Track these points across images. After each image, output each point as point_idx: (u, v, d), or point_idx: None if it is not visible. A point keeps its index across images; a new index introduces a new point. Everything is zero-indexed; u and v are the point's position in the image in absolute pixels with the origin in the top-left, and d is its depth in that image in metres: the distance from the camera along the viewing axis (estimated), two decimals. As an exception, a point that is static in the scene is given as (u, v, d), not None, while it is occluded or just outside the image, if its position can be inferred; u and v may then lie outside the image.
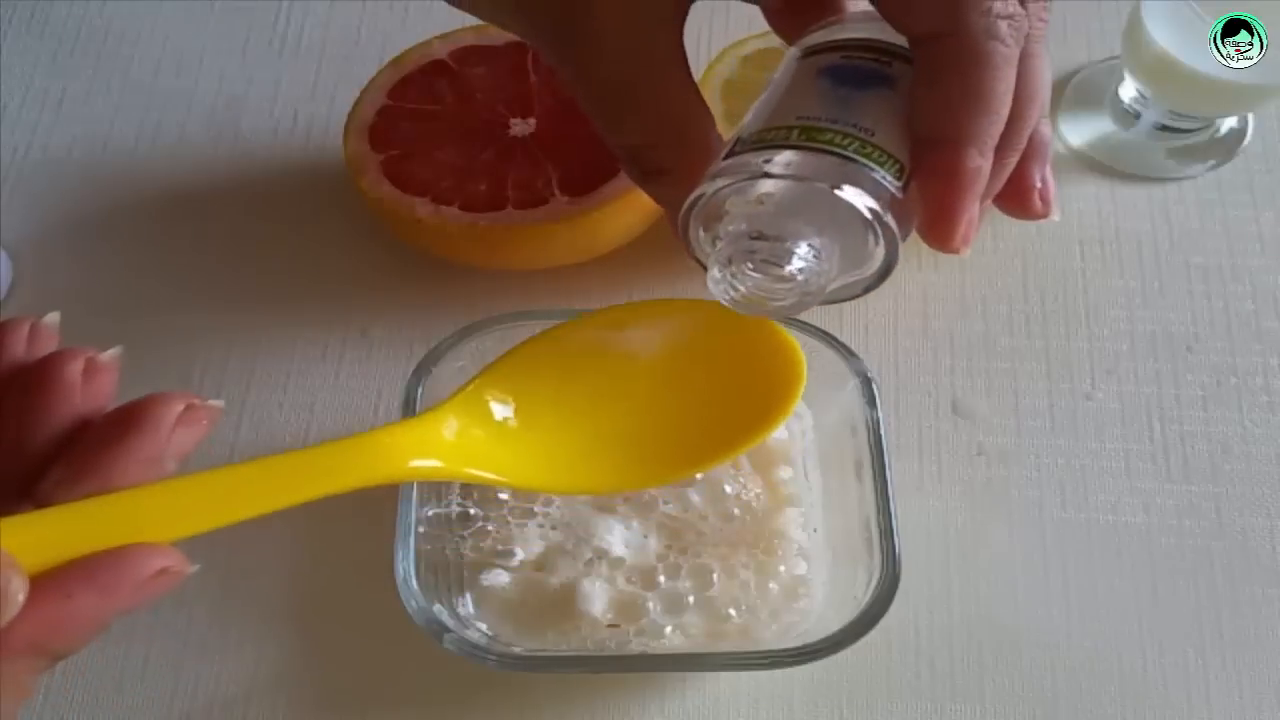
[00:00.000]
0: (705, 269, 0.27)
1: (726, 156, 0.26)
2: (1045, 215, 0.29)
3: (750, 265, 0.26)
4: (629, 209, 0.41)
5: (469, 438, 0.30)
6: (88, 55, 0.51)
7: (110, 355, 0.25)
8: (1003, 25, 0.24)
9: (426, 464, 0.29)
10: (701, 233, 0.27)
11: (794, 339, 0.32)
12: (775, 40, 0.45)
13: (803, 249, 0.26)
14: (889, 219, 0.25)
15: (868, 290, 0.27)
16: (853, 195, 0.25)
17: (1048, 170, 0.29)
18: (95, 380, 0.24)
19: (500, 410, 0.31)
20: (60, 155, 0.48)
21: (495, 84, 0.44)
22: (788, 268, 0.26)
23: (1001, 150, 0.26)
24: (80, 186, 0.47)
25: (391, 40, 0.46)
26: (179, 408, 0.24)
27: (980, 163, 0.25)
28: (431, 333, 0.42)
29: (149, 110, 0.49)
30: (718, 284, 0.27)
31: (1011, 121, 0.26)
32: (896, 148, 0.26)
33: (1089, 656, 0.38)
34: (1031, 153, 0.28)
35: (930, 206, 0.26)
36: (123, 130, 0.49)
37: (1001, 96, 0.25)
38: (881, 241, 0.26)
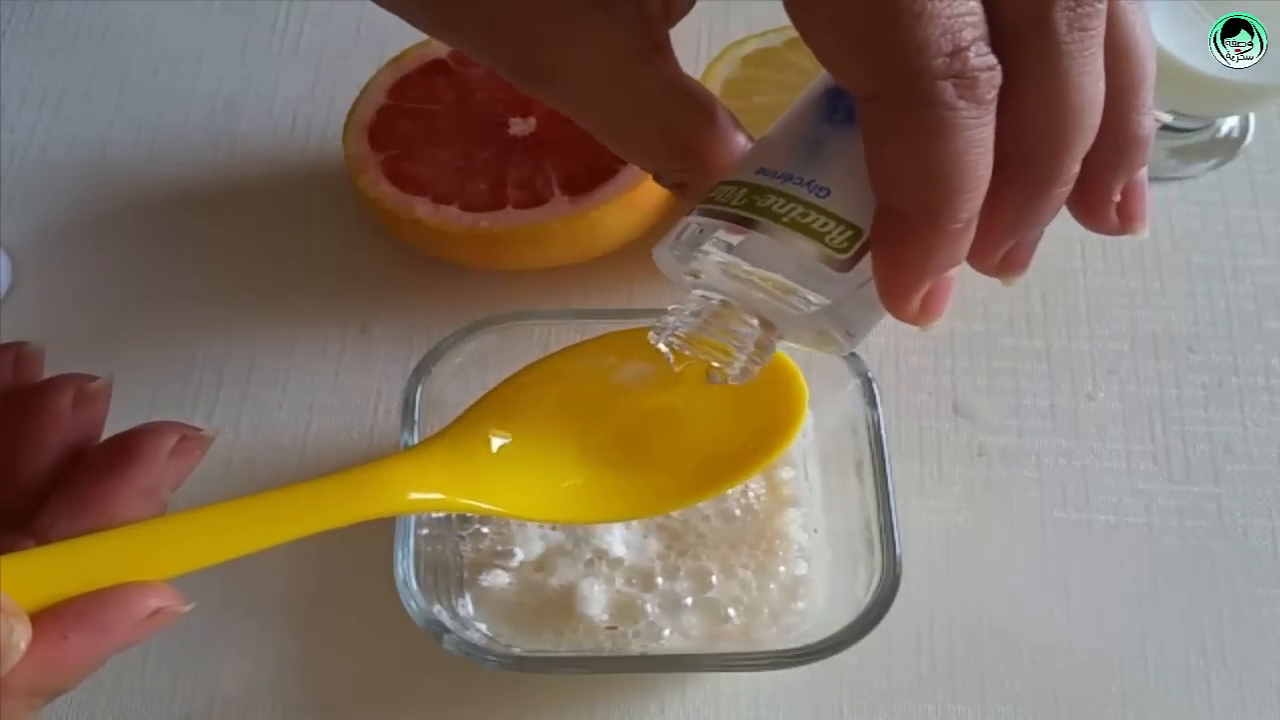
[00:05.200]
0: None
1: (704, 200, 0.25)
2: (1126, 232, 0.25)
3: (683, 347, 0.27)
4: (629, 209, 0.41)
5: (467, 468, 0.30)
6: (87, 55, 0.51)
7: (100, 383, 0.25)
8: (944, 88, 0.20)
9: (425, 496, 0.29)
10: (676, 275, 0.27)
11: (796, 367, 0.32)
12: (775, 40, 0.45)
13: (742, 334, 0.26)
14: (813, 309, 0.23)
15: (835, 352, 0.27)
16: (777, 290, 0.24)
17: (1139, 177, 0.24)
18: (86, 410, 0.24)
19: (498, 439, 0.30)
20: (60, 155, 0.48)
21: (495, 83, 0.44)
22: (714, 364, 0.26)
23: (1023, 194, 0.23)
24: (80, 186, 0.47)
25: (391, 40, 0.46)
26: (174, 438, 0.24)
27: (935, 239, 0.22)
28: (431, 332, 0.42)
29: (148, 110, 0.49)
30: (662, 348, 0.27)
31: (1033, 163, 0.22)
32: (857, 206, 0.23)
33: (1090, 657, 0.38)
34: (1113, 158, 0.23)
35: (878, 278, 0.23)
36: (122, 130, 0.49)
37: (955, 167, 0.21)
38: (820, 328, 0.24)
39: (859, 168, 0.23)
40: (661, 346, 0.27)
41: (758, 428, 0.32)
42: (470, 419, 0.31)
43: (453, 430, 0.30)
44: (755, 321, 0.26)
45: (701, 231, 0.24)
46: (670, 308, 0.27)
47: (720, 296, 0.26)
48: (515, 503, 0.31)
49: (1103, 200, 0.24)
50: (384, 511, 0.28)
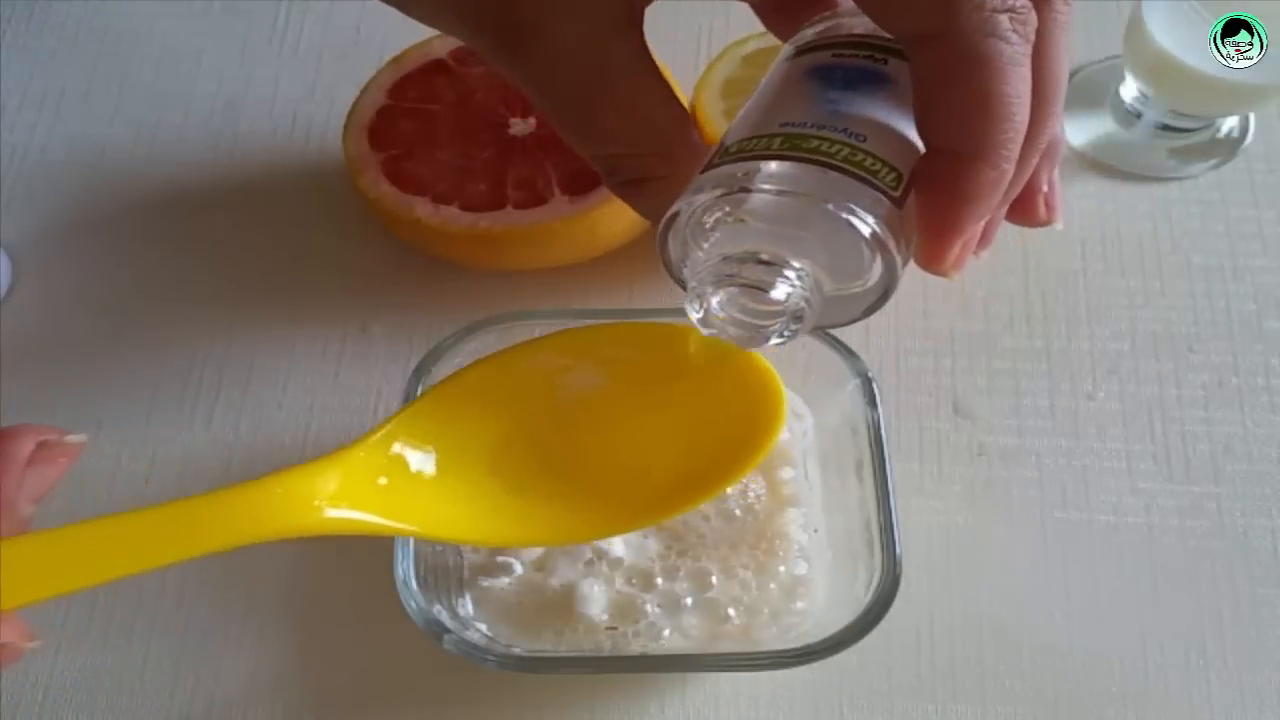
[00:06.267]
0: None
1: (707, 168, 0.24)
2: (1049, 222, 0.27)
3: (731, 291, 0.24)
4: (629, 209, 0.41)
5: (400, 480, 0.26)
6: (87, 55, 0.51)
7: None
8: (1003, 20, 0.22)
9: (346, 514, 0.25)
10: (680, 253, 0.25)
11: (771, 367, 0.30)
12: (776, 39, 0.45)
13: (789, 272, 0.23)
14: (884, 235, 0.22)
15: (866, 314, 0.25)
16: (842, 210, 0.22)
17: (1055, 174, 0.27)
18: None
19: (430, 451, 0.27)
20: (60, 155, 0.48)
21: (495, 83, 0.44)
22: (773, 293, 0.24)
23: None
24: (80, 186, 0.47)
25: (391, 40, 0.46)
26: (29, 446, 0.22)
27: (992, 176, 0.23)
28: (432, 332, 0.42)
29: (148, 110, 0.49)
30: (696, 313, 0.25)
31: (1028, 123, 0.23)
32: (893, 154, 0.23)
33: (1089, 656, 0.38)
34: (1045, 154, 0.25)
35: (926, 222, 0.24)
36: (122, 130, 0.49)
37: (1012, 101, 0.22)
38: (878, 261, 0.23)
39: (884, 118, 0.23)
40: (695, 314, 0.25)
41: (730, 439, 0.29)
42: (400, 424, 0.27)
43: (379, 436, 0.26)
44: (795, 274, 0.24)
45: (745, 174, 0.23)
46: (697, 269, 0.24)
47: (762, 247, 0.24)
48: (450, 524, 0.27)
49: (1036, 192, 0.26)
50: (293, 530, 0.24)
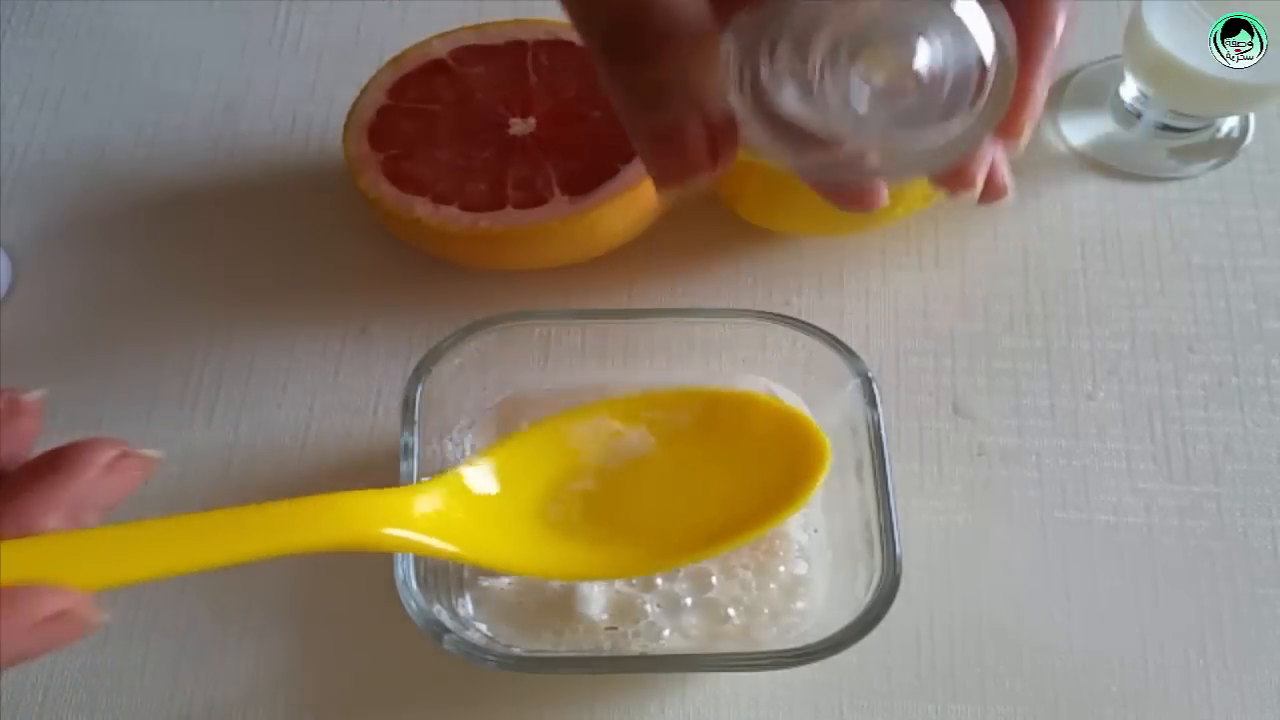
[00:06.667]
0: (757, 121, 0.21)
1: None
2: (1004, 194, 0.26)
3: (860, 70, 0.20)
4: (629, 209, 0.41)
5: (454, 518, 0.30)
6: (87, 55, 0.51)
7: (35, 396, 0.24)
8: None
9: (402, 534, 0.29)
10: (770, 59, 0.21)
11: (820, 431, 0.33)
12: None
13: (924, 41, 0.20)
14: (1011, 37, 0.21)
15: (973, 143, 0.22)
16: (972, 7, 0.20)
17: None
18: (18, 421, 0.23)
19: (490, 492, 0.31)
20: (60, 155, 0.48)
21: (495, 83, 0.44)
22: (916, 60, 0.20)
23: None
24: (80, 186, 0.47)
25: (391, 40, 0.46)
26: (109, 454, 0.23)
27: (1061, 24, 0.23)
28: (431, 332, 0.42)
29: (148, 110, 0.49)
30: (813, 113, 0.20)
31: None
32: None
33: (1089, 657, 0.38)
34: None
35: (1029, 62, 0.23)
36: (122, 130, 0.49)
37: None
38: (994, 60, 0.21)
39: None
40: (803, 98, 0.21)
41: (773, 490, 0.33)
42: (466, 468, 0.31)
43: (446, 478, 0.31)
44: (929, 44, 0.20)
45: None
46: (812, 49, 0.20)
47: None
48: (500, 556, 0.31)
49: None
50: (352, 543, 0.27)
